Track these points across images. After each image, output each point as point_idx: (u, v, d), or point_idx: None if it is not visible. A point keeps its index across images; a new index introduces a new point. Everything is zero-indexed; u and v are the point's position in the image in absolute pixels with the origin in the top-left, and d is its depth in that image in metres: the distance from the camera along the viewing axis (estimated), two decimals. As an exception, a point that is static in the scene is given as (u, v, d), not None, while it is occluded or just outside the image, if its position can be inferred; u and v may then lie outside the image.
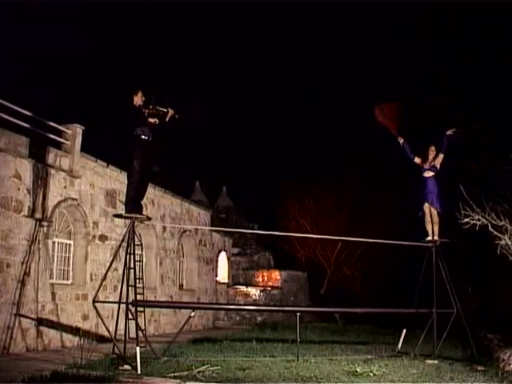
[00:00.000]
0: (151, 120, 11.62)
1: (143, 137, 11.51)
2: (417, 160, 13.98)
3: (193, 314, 13.15)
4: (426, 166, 13.87)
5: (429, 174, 13.82)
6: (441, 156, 13.75)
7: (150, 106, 11.82)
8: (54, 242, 14.95)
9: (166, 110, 11.84)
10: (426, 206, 13.88)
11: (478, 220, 12.50)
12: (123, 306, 11.25)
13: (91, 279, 15.95)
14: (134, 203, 11.61)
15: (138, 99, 11.83)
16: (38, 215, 13.87)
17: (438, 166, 13.77)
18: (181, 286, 22.78)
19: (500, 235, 12.50)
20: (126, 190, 11.87)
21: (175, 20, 58.57)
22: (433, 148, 13.98)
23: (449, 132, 13.58)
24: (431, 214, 13.87)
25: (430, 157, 13.90)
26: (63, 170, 14.98)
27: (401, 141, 13.97)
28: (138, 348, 10.41)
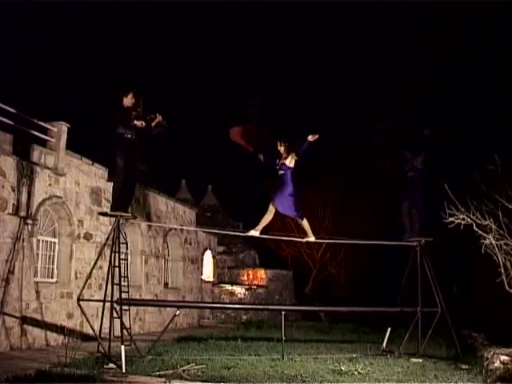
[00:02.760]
0: (137, 123, 11.43)
1: (126, 135, 11.39)
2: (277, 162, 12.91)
3: (178, 312, 13.13)
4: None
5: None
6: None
7: (138, 109, 11.69)
8: (38, 240, 14.86)
9: (153, 116, 11.74)
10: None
11: (463, 219, 12.55)
12: (108, 305, 11.19)
13: (76, 277, 15.88)
14: (120, 202, 11.54)
15: (127, 101, 11.69)
16: (23, 213, 13.79)
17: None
18: (166, 284, 22.74)
19: (484, 234, 12.57)
20: (112, 188, 11.80)
21: (168, 19, 58.46)
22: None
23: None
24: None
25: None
26: (48, 168, 14.90)
27: (261, 157, 12.80)
28: (122, 346, 10.38)
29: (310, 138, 12.25)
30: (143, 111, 11.72)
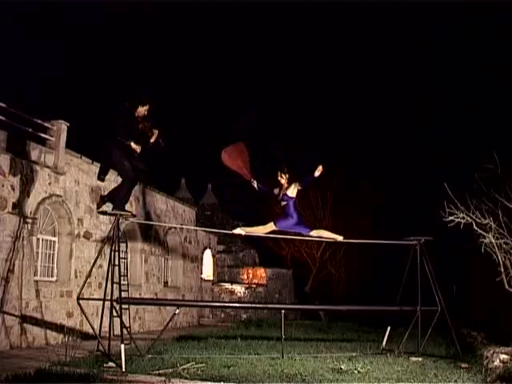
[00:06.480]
0: (135, 147, 11.16)
1: (124, 140, 11.23)
2: (276, 191, 12.62)
3: (177, 311, 13.12)
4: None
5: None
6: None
7: (146, 124, 11.45)
8: (38, 239, 14.85)
9: (154, 132, 11.53)
10: None
11: (463, 218, 12.58)
12: (108, 303, 11.19)
13: (76, 276, 15.88)
14: (124, 202, 11.53)
15: (141, 111, 11.43)
16: (23, 212, 13.79)
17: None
18: (166, 283, 22.73)
19: (484, 233, 12.59)
20: (119, 188, 11.65)
21: (169, 19, 58.43)
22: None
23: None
24: None
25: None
26: (48, 167, 14.90)
27: (255, 184, 12.57)
28: (122, 345, 10.37)
29: (317, 173, 12.19)
30: (150, 126, 11.51)
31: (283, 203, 12.43)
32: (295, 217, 12.37)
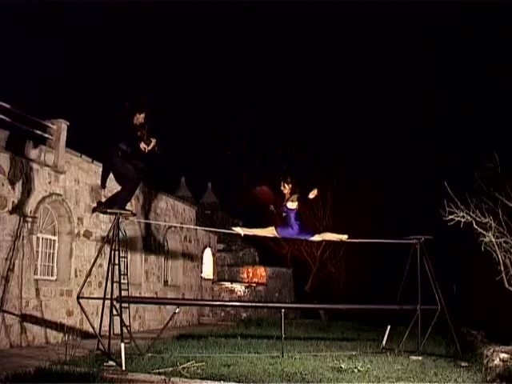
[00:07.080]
0: (142, 146, 11.27)
1: (124, 147, 11.25)
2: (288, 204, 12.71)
3: (177, 310, 13.13)
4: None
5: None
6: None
7: (143, 131, 11.44)
8: (38, 238, 14.86)
9: (151, 140, 11.58)
10: None
11: (463, 217, 12.58)
12: (108, 302, 11.19)
13: (76, 275, 15.88)
14: (125, 202, 11.55)
15: (139, 118, 11.45)
16: (23, 211, 13.78)
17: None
18: (166, 282, 22.73)
19: (484, 232, 12.59)
20: (120, 192, 11.64)
21: (169, 20, 58.44)
22: None
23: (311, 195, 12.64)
24: None
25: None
26: (48, 166, 14.90)
27: (272, 208, 13.00)
28: (122, 344, 10.38)
29: (311, 196, 12.53)
30: (147, 133, 11.53)
31: (284, 214, 12.63)
32: (296, 228, 12.58)
